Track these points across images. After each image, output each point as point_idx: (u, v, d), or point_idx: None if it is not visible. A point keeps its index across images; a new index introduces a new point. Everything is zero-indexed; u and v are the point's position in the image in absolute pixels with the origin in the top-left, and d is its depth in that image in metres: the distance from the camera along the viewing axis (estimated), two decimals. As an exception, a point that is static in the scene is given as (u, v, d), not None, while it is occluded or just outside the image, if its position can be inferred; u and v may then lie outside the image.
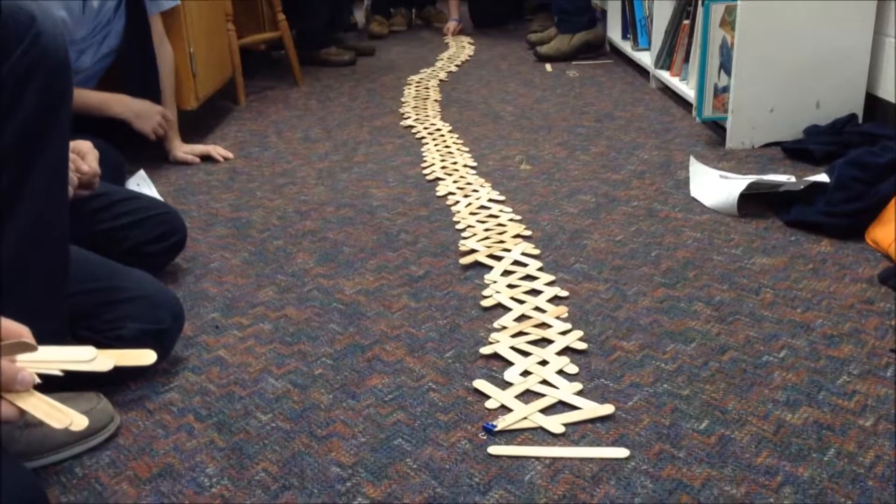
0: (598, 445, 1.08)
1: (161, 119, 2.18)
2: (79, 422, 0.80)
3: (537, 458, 1.06)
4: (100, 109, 2.06)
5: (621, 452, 1.06)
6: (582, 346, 1.31)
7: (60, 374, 0.83)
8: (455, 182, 2.05)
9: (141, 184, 2.03)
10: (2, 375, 0.77)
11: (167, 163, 2.25)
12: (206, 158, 2.30)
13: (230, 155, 2.33)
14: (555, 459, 1.06)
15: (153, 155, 2.23)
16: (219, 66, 2.67)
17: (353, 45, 3.64)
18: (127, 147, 2.09)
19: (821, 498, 0.98)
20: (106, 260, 1.29)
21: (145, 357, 0.90)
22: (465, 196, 1.96)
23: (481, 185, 2.02)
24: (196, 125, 2.34)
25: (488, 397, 1.19)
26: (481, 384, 1.22)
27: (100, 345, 1.14)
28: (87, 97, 2.03)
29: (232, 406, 1.20)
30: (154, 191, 2.00)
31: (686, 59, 2.62)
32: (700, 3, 2.30)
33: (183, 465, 1.08)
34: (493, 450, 1.08)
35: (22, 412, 0.79)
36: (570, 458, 1.06)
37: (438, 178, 2.09)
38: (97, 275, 1.24)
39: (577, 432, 1.11)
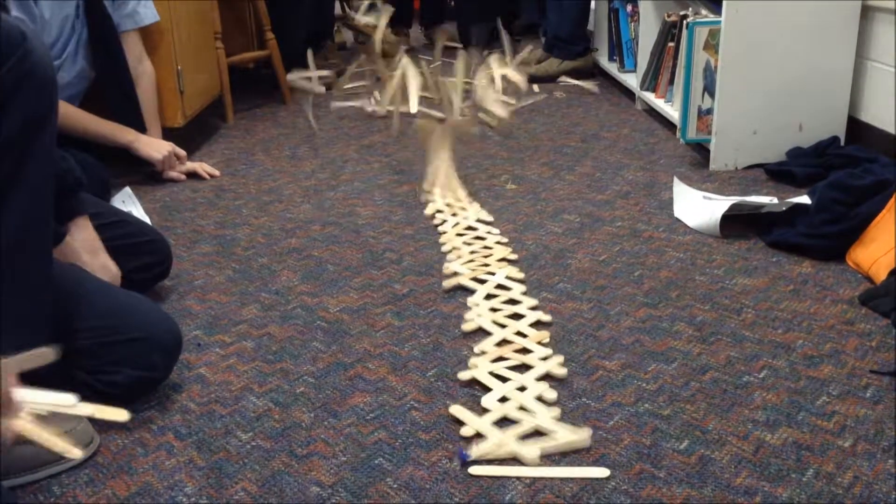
0: (579, 465, 1.08)
1: (173, 150, 2.21)
2: (75, 453, 0.82)
3: (518, 478, 1.06)
4: (108, 137, 2.07)
5: (602, 472, 1.06)
6: (562, 371, 1.29)
7: (47, 414, 0.86)
8: (443, 199, 2.05)
9: (126, 201, 2.03)
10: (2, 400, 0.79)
11: (153, 180, 2.25)
12: (193, 176, 2.30)
13: (216, 172, 2.33)
14: (535, 479, 1.06)
15: (138, 171, 2.23)
16: (207, 84, 2.68)
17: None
18: (112, 163, 2.10)
19: (799, 519, 0.98)
20: (114, 292, 1.29)
21: (119, 415, 0.94)
22: (453, 215, 1.96)
23: (468, 205, 2.02)
24: (183, 142, 2.34)
25: (464, 424, 1.17)
26: (457, 410, 1.19)
27: (94, 388, 1.19)
28: (98, 125, 2.04)
29: (212, 424, 1.20)
30: (139, 208, 2.00)
31: (671, 82, 2.65)
32: (684, 26, 2.33)
33: (162, 484, 1.07)
34: (474, 470, 1.08)
35: (16, 436, 0.81)
36: (551, 479, 1.06)
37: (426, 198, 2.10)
38: (105, 312, 1.23)
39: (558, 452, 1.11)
